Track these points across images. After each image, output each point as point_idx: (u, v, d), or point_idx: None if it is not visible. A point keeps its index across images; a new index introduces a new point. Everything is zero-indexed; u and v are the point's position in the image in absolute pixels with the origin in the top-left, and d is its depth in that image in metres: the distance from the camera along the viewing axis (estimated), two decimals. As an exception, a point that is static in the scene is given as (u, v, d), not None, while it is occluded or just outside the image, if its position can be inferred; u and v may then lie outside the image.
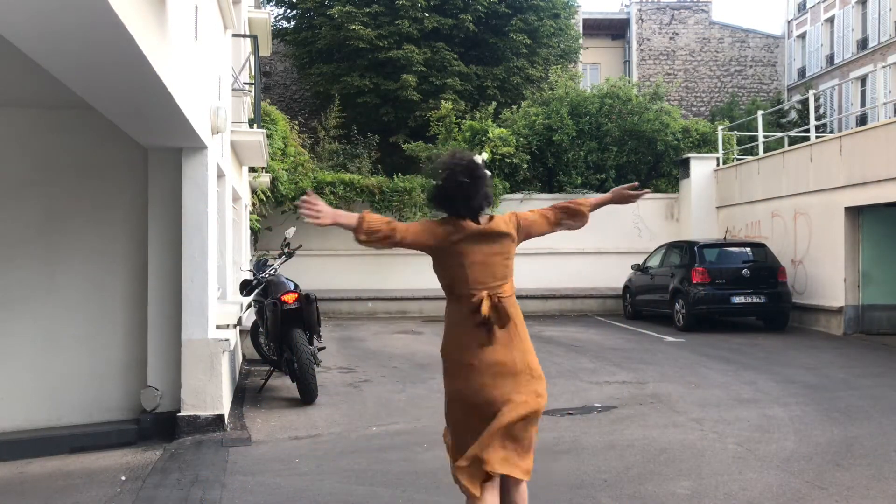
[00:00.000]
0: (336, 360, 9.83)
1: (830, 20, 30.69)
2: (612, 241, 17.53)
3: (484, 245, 3.17)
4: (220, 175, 7.40)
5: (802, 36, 32.59)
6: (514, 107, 19.84)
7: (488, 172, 3.29)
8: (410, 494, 4.61)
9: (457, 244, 3.15)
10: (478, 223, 3.18)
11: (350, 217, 3.13)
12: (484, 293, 3.12)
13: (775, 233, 14.55)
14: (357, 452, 5.57)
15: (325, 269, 16.52)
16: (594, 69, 32.29)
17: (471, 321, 3.13)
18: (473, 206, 3.16)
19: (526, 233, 3.33)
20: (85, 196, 6.24)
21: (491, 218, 3.25)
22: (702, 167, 17.25)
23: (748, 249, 13.73)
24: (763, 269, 13.01)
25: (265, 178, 13.66)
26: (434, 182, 3.25)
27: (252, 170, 12.67)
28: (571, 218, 3.40)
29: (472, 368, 3.12)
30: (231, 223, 8.79)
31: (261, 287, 8.08)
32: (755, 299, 12.77)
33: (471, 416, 3.13)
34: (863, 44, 28.60)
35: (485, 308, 3.08)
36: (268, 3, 23.87)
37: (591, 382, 8.28)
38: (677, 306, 13.19)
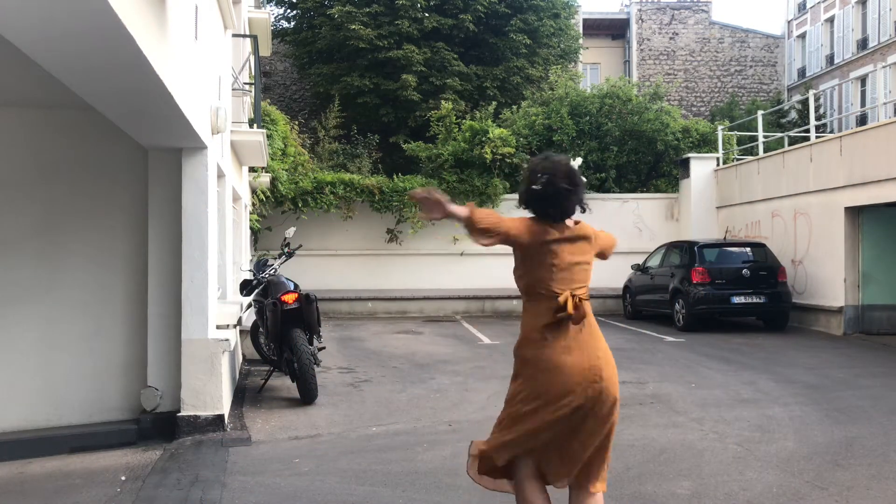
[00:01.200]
0: (336, 360, 9.83)
1: (830, 20, 30.70)
2: (612, 241, 17.49)
3: (572, 247, 3.23)
4: (220, 175, 7.41)
5: (802, 36, 32.60)
6: (514, 107, 19.85)
7: (584, 179, 3.35)
8: (410, 494, 4.61)
9: (549, 244, 3.19)
10: (564, 227, 3.25)
11: (460, 209, 3.12)
12: (567, 293, 3.16)
13: (775, 233, 14.56)
14: (357, 452, 5.57)
15: (325, 269, 16.53)
16: (594, 69, 32.31)
17: (551, 320, 3.16)
18: (567, 212, 3.25)
19: (599, 249, 3.42)
20: (85, 196, 6.24)
21: (577, 223, 3.31)
22: (702, 167, 17.25)
23: (748, 249, 13.73)
24: (763, 269, 13.01)
25: (265, 178, 13.66)
26: (530, 184, 3.27)
27: (252, 170, 12.67)
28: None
29: (558, 369, 3.14)
30: (231, 223, 8.80)
31: (261, 287, 8.07)
32: (755, 299, 12.77)
33: (550, 421, 3.12)
34: (863, 44, 28.61)
35: (569, 307, 3.14)
36: (268, 3, 23.88)
37: (591, 382, 8.26)
38: (677, 306, 13.19)
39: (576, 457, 3.17)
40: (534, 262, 3.22)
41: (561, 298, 3.14)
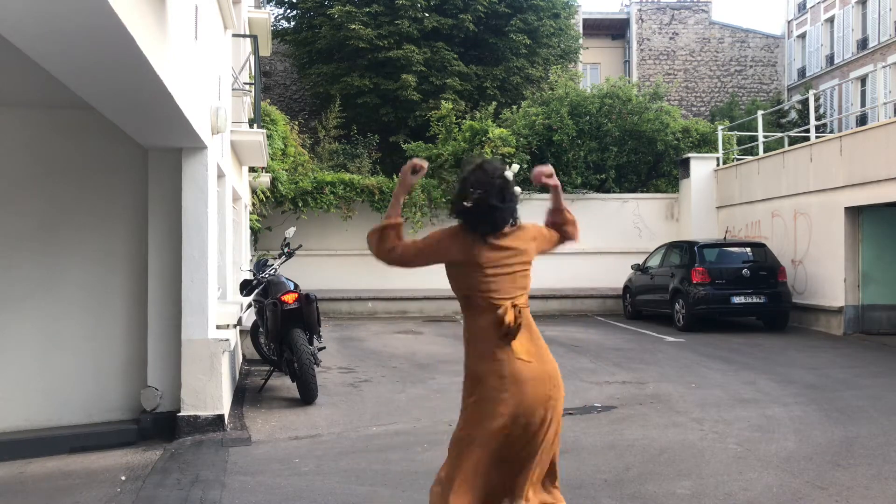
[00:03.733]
0: (336, 360, 9.82)
1: (830, 20, 30.70)
2: (612, 241, 17.52)
3: (505, 254, 3.09)
4: (220, 175, 7.41)
5: (802, 36, 32.60)
6: (514, 107, 19.84)
7: (518, 189, 3.16)
8: (410, 494, 4.62)
9: (478, 255, 3.06)
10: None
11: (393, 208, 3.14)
12: (508, 304, 3.02)
13: (775, 233, 14.55)
14: (357, 452, 5.57)
15: (325, 269, 16.52)
16: (594, 69, 32.30)
17: (494, 333, 3.01)
18: (498, 226, 3.08)
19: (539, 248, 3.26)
20: (85, 196, 6.24)
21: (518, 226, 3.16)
22: (702, 167, 17.25)
23: (748, 249, 13.73)
24: (763, 269, 13.01)
25: (265, 178, 13.66)
26: (463, 198, 3.08)
27: (252, 170, 12.67)
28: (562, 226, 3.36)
29: (506, 381, 2.98)
30: (231, 223, 8.80)
31: (261, 287, 8.07)
32: (755, 299, 12.77)
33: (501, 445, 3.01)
34: (863, 44, 28.61)
35: (510, 318, 2.98)
36: (268, 3, 23.87)
37: (591, 382, 8.28)
38: (677, 306, 13.18)
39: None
40: (462, 273, 3.10)
41: (500, 311, 3.01)
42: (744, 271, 12.95)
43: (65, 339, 6.15)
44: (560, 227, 3.38)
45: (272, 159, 13.96)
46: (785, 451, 5.50)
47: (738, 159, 16.98)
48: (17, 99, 5.92)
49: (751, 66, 32.47)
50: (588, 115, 18.26)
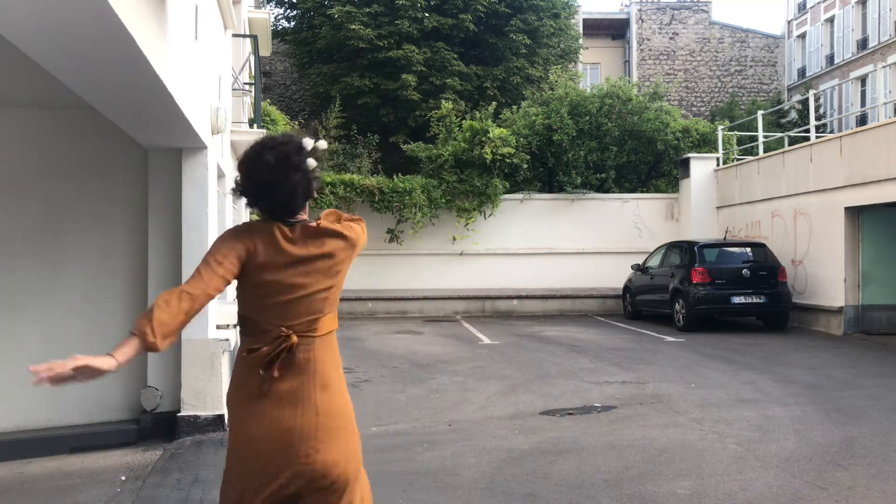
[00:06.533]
0: (336, 360, 9.81)
1: (830, 20, 30.71)
2: (612, 241, 17.52)
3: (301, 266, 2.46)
4: (220, 175, 7.41)
5: (802, 36, 32.60)
6: (514, 107, 19.84)
7: (312, 162, 2.53)
8: (410, 494, 4.61)
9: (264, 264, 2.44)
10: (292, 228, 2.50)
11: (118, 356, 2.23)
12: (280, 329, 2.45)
13: (775, 233, 14.56)
14: (357, 452, 5.57)
15: (325, 269, 16.47)
16: (594, 69, 32.32)
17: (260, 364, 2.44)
18: (278, 201, 2.50)
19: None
20: (85, 196, 6.24)
21: (316, 224, 2.54)
22: (702, 167, 17.26)
23: (748, 249, 13.74)
24: (763, 269, 13.01)
25: (265, 178, 13.66)
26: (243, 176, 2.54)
27: (252, 170, 12.66)
28: None
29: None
30: (231, 223, 8.80)
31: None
32: (755, 299, 12.77)
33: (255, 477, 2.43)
34: (863, 44, 28.61)
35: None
36: (268, 3, 23.88)
37: (591, 382, 8.28)
38: (677, 306, 13.19)
39: None
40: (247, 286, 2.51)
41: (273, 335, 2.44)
42: (744, 271, 12.95)
43: (64, 338, 6.14)
44: None
45: (272, 159, 13.96)
46: (785, 451, 5.50)
47: (738, 159, 16.98)
48: (17, 99, 5.92)
49: (751, 66, 32.48)
50: (588, 115, 18.26)
